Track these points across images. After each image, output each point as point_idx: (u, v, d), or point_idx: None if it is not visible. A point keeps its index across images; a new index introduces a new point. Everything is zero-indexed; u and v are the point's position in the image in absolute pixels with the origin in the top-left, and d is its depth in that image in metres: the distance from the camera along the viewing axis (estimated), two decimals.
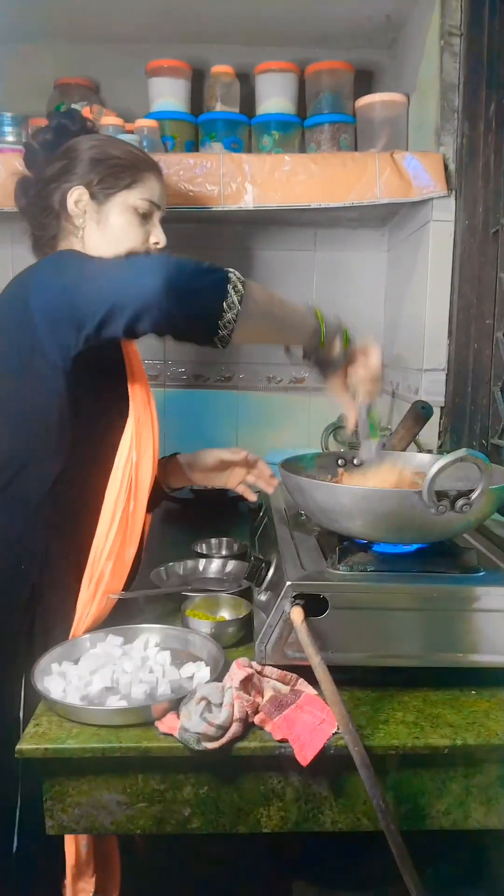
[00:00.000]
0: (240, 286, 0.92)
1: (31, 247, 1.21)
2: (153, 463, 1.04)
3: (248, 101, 1.74)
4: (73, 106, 1.63)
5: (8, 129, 1.63)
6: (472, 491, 0.81)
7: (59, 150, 1.15)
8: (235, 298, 0.91)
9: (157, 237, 1.16)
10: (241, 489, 1.33)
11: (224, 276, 0.92)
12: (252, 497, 1.34)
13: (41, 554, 1.02)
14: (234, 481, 1.33)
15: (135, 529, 1.02)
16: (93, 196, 1.11)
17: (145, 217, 1.15)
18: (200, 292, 0.91)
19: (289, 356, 1.10)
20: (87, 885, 1.01)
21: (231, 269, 0.94)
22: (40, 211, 1.16)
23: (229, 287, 0.91)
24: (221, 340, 0.93)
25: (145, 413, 1.06)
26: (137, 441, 1.02)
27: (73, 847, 0.98)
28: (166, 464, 1.28)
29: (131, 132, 1.58)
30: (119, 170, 1.12)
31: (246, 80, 1.75)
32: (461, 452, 0.78)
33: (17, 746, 0.76)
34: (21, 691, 1.06)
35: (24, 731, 1.05)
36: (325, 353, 1.06)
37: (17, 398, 1.01)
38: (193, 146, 1.70)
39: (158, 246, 1.16)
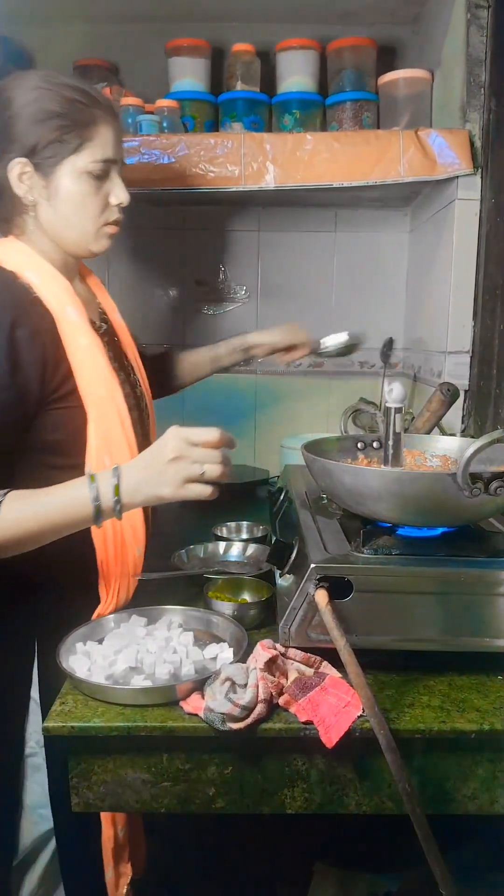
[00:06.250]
0: None
1: None
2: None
3: (267, 79, 1.71)
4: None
5: None
6: None
7: None
8: None
9: (118, 196, 1.03)
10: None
11: None
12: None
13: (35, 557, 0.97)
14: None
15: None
16: (37, 167, 0.97)
17: (101, 178, 1.01)
18: None
19: None
20: (126, 870, 1.02)
21: None
22: None
23: None
24: None
25: (110, 408, 0.99)
26: (107, 446, 0.97)
27: (111, 831, 0.99)
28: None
29: (151, 113, 1.56)
30: (62, 132, 0.96)
31: (266, 59, 1.72)
32: (498, 433, 0.76)
33: (44, 724, 0.77)
34: (32, 676, 1.06)
35: (41, 709, 1.07)
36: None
37: None
38: (213, 126, 1.68)
39: (122, 205, 1.04)
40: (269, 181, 1.49)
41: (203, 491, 0.86)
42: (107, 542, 0.98)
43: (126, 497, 0.87)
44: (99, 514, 0.87)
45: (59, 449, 0.98)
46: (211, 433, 0.86)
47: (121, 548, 0.99)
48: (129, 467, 0.89)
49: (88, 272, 1.18)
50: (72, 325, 0.98)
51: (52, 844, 1.15)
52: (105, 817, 1.00)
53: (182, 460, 0.85)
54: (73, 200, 1.00)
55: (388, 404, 0.95)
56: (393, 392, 0.95)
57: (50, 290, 0.98)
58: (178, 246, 1.92)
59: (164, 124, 1.55)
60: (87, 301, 1.12)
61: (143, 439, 1.12)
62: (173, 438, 0.86)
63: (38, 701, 1.08)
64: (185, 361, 1.41)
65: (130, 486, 0.87)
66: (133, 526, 1.00)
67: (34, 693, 1.09)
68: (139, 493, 0.87)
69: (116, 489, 0.87)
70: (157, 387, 1.32)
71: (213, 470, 0.85)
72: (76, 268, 1.11)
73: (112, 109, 1.02)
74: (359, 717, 0.76)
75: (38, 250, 1.02)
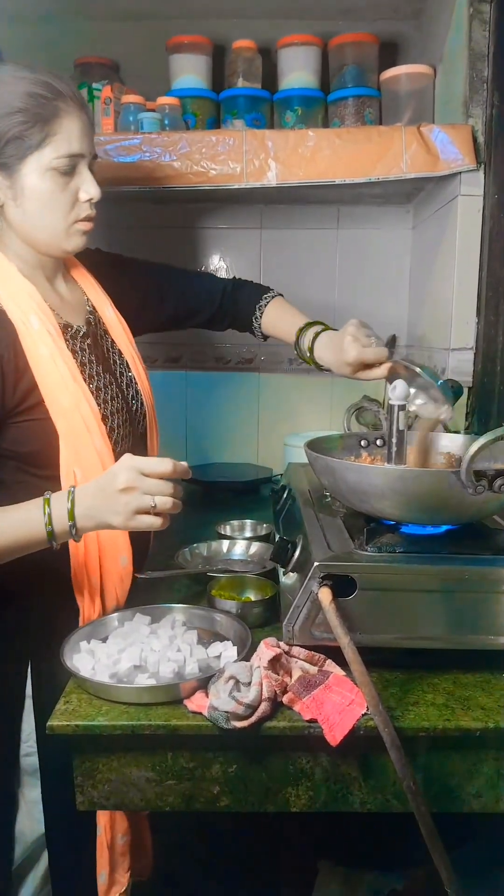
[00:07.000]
0: None
1: None
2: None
3: (269, 76, 1.70)
4: (94, 85, 1.61)
5: None
6: None
7: None
8: None
9: (88, 191, 0.98)
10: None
11: None
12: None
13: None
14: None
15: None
16: (0, 167, 0.94)
17: (68, 174, 0.96)
18: None
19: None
20: (123, 878, 1.00)
21: None
22: None
23: None
24: None
25: (76, 419, 0.97)
26: (77, 458, 0.96)
27: (108, 835, 0.98)
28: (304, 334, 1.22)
29: (152, 110, 1.56)
30: (24, 128, 0.91)
31: (267, 55, 1.72)
32: (502, 430, 0.76)
33: (48, 723, 0.77)
34: (27, 674, 1.06)
35: (35, 712, 1.07)
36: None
37: None
38: (215, 123, 1.68)
39: (92, 201, 0.99)
40: (271, 178, 1.48)
41: (153, 522, 0.85)
42: (77, 555, 0.97)
43: (80, 521, 0.86)
44: (52, 538, 0.86)
45: (34, 461, 0.97)
46: (163, 464, 0.84)
47: (100, 559, 0.98)
48: (84, 492, 0.87)
49: (75, 264, 1.13)
50: (33, 335, 0.95)
51: None
52: (102, 821, 0.99)
53: (133, 491, 0.83)
54: (39, 199, 0.95)
55: (391, 402, 0.95)
56: (396, 389, 0.94)
57: (13, 299, 0.96)
58: (179, 244, 1.92)
59: (166, 122, 1.55)
60: (71, 300, 1.08)
61: (137, 440, 1.11)
62: (125, 468, 0.84)
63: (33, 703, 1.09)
64: (271, 314, 1.30)
65: (83, 511, 0.86)
66: (113, 537, 0.98)
67: (29, 692, 1.10)
68: (92, 518, 0.86)
69: (70, 513, 0.85)
70: (228, 319, 1.31)
71: (164, 502, 0.84)
72: (56, 266, 1.07)
73: (79, 100, 0.96)
74: (363, 715, 0.75)
75: (11, 253, 1.00)
